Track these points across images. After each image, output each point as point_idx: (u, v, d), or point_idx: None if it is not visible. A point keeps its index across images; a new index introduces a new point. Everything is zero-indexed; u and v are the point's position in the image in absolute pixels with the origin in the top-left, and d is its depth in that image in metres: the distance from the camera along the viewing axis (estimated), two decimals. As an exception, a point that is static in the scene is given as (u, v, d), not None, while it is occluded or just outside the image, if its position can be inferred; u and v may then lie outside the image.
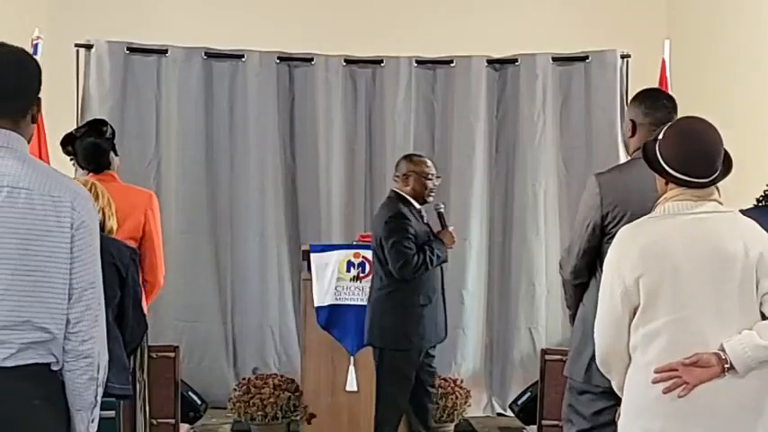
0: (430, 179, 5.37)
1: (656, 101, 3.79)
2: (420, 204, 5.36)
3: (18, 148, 2.57)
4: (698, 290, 2.83)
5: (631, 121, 3.77)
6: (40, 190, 2.52)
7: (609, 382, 3.56)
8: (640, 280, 2.86)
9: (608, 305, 2.95)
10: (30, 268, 2.49)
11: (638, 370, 2.90)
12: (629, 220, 3.56)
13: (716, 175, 2.93)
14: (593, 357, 3.63)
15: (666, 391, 2.80)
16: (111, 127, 4.81)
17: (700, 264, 2.84)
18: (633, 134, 3.76)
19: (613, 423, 3.61)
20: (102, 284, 2.64)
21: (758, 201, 4.46)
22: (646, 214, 3.51)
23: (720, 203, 2.95)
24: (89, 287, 2.57)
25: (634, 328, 2.90)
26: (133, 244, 4.54)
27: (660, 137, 3.00)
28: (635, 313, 2.90)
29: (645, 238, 2.92)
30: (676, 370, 2.80)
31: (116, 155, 4.78)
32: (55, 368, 2.57)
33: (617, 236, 3.01)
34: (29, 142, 2.65)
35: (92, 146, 4.68)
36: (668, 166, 2.95)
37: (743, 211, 3.22)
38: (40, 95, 2.66)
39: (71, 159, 5.73)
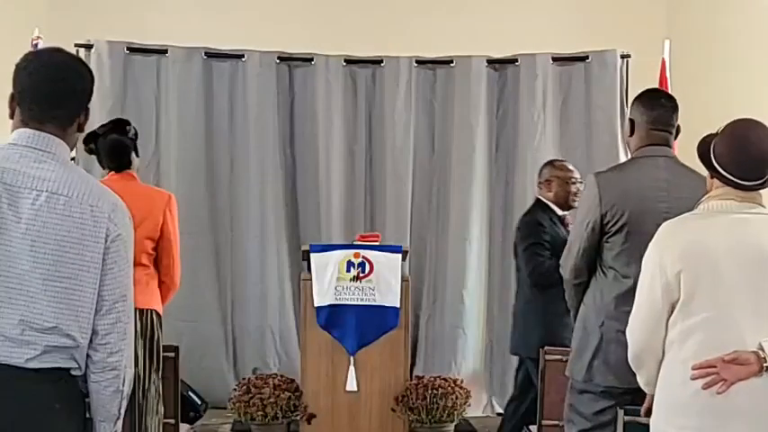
0: (573, 183, 5.35)
1: (653, 100, 3.82)
2: (564, 210, 5.35)
3: (60, 154, 2.56)
4: (737, 289, 2.84)
5: (630, 120, 3.81)
6: (80, 198, 2.52)
7: (609, 381, 3.58)
8: (681, 275, 2.87)
9: (648, 299, 2.96)
10: (62, 275, 2.48)
11: (674, 366, 2.90)
12: (628, 220, 3.59)
13: (764, 180, 2.93)
14: (593, 357, 3.66)
15: (705, 387, 2.80)
16: (135, 128, 4.81)
17: (739, 263, 2.85)
18: (632, 133, 3.79)
19: (613, 422, 3.63)
20: (132, 298, 2.63)
21: None
22: (645, 213, 3.54)
23: (763, 206, 2.96)
24: (120, 299, 2.56)
25: (672, 324, 2.91)
26: (151, 244, 4.54)
27: (718, 134, 3.01)
28: (672, 309, 2.90)
29: (686, 234, 2.93)
30: (715, 366, 2.80)
31: (137, 155, 4.78)
32: (76, 373, 2.56)
33: (659, 231, 3.01)
34: (72, 149, 2.65)
35: (116, 143, 4.67)
36: (719, 164, 2.96)
37: None
38: (89, 105, 2.67)
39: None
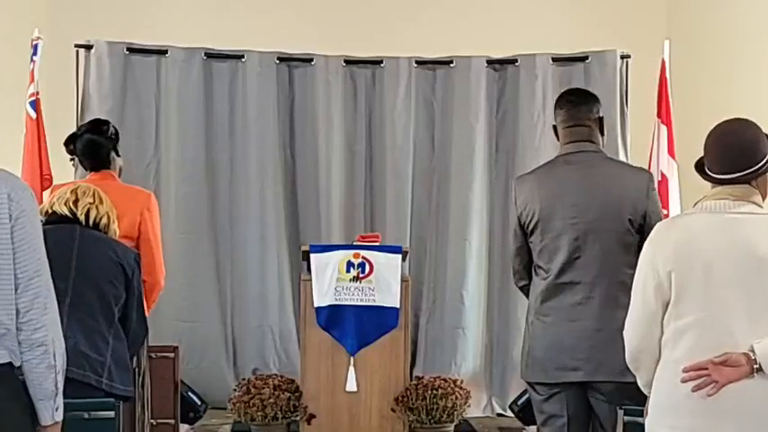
0: None
1: (560, 100, 3.97)
2: None
3: None
4: (729, 289, 2.83)
5: (553, 126, 3.93)
6: None
7: (539, 377, 3.73)
8: (672, 274, 2.86)
9: (641, 299, 2.95)
10: None
11: (667, 366, 2.90)
12: (540, 217, 3.71)
13: (747, 172, 2.91)
14: (527, 355, 3.81)
15: (696, 389, 2.79)
16: (115, 128, 4.82)
17: (732, 264, 2.83)
18: (558, 138, 3.90)
19: (565, 409, 3.68)
20: (48, 272, 2.66)
21: None
22: (553, 210, 3.66)
23: (759, 206, 2.94)
24: (35, 275, 2.60)
25: (666, 322, 2.91)
26: (129, 243, 4.55)
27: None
28: (666, 308, 2.90)
29: (679, 234, 2.93)
30: (706, 368, 2.79)
31: (117, 155, 4.78)
32: (17, 364, 2.60)
33: (653, 230, 3.02)
34: None
35: (89, 142, 4.70)
36: (706, 165, 2.98)
37: None
38: None
39: (71, 160, 5.76)
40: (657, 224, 3.05)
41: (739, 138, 2.94)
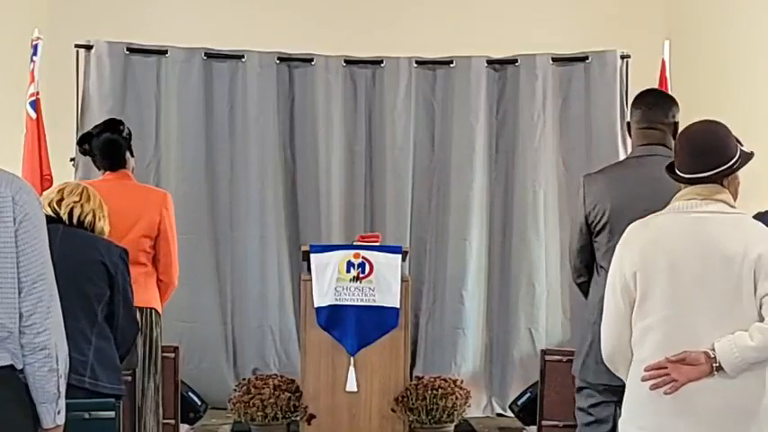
0: None
1: (638, 100, 3.91)
2: None
3: None
4: (693, 288, 2.84)
5: (627, 123, 3.91)
6: None
7: (602, 379, 3.65)
8: (637, 274, 2.89)
9: (612, 300, 2.98)
10: None
11: (635, 365, 2.93)
12: (609, 218, 3.68)
13: (714, 171, 2.93)
14: (587, 355, 3.73)
15: (654, 387, 2.82)
16: (129, 128, 4.82)
17: (697, 262, 2.85)
18: (631, 136, 3.87)
19: (612, 418, 3.67)
20: (53, 276, 2.65)
21: None
22: (624, 211, 3.61)
23: (729, 204, 2.95)
24: (39, 279, 2.59)
25: (633, 323, 2.93)
26: (148, 243, 4.56)
27: None
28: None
29: (647, 234, 2.95)
30: (665, 368, 2.81)
31: (132, 155, 4.79)
32: (19, 367, 2.60)
33: (625, 232, 3.04)
34: None
35: (108, 141, 4.69)
36: (675, 165, 3.01)
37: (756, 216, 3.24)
38: None
39: (71, 160, 5.75)
40: (629, 226, 3.06)
41: (705, 138, 2.97)
